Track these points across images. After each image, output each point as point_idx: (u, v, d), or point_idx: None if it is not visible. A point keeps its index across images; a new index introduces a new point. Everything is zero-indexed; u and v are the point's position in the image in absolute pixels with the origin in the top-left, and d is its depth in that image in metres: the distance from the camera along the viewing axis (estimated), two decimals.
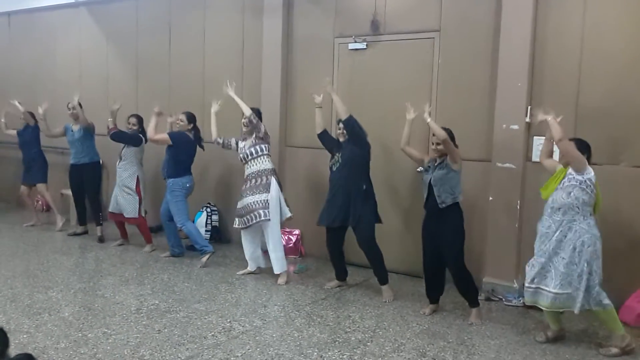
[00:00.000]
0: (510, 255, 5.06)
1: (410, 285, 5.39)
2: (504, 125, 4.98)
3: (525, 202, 5.00)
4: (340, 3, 6.01)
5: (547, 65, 4.91)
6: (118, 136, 6.23)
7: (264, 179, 5.32)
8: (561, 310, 3.99)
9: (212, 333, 4.13)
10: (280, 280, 5.39)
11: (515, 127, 4.95)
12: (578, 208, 3.84)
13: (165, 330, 4.16)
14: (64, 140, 7.46)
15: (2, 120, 7.55)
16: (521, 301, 4.87)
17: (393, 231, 5.52)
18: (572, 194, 3.83)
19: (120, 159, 6.36)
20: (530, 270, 4.01)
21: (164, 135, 5.91)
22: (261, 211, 5.26)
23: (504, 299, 4.98)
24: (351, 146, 4.96)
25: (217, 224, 6.88)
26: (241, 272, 5.61)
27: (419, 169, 5.53)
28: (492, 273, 5.15)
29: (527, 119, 4.91)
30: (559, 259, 3.88)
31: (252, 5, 6.53)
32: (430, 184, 4.46)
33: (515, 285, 5.01)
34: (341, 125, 4.99)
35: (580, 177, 3.82)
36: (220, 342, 3.97)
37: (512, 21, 4.93)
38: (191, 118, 6.00)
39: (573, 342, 4.15)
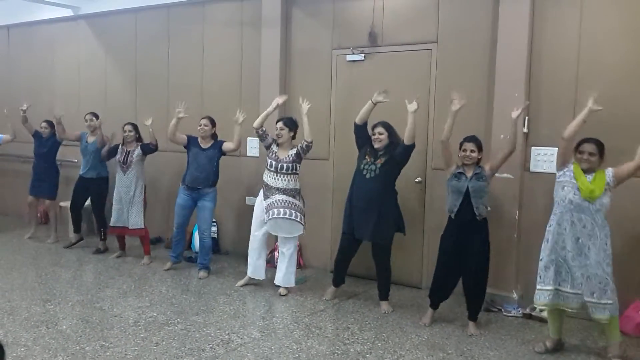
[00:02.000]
0: (510, 266, 5.06)
1: (408, 296, 5.38)
2: (502, 136, 4.98)
3: (523, 213, 5.00)
4: (338, 15, 6.05)
5: (544, 76, 4.93)
6: (150, 150, 6.25)
7: (297, 200, 5.29)
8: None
9: (211, 345, 4.11)
10: (282, 290, 5.38)
11: None
12: None
13: (163, 342, 4.14)
14: (63, 153, 7.47)
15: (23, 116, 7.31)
16: (520, 311, 4.88)
17: (393, 242, 5.50)
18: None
19: (128, 168, 6.26)
20: None
21: (183, 137, 5.89)
22: (300, 215, 5.23)
23: (503, 310, 4.96)
24: (394, 161, 4.86)
25: (215, 235, 6.86)
26: (240, 283, 5.58)
27: (417, 180, 5.55)
28: (491, 283, 5.10)
29: (525, 129, 4.93)
30: None
31: (251, 17, 6.57)
32: (466, 194, 4.38)
33: (515, 295, 5.00)
34: (378, 130, 4.88)
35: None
36: (219, 355, 3.95)
37: (509, 32, 4.96)
38: (214, 122, 5.91)
39: (573, 353, 4.14)
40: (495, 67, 5.05)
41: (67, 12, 8.11)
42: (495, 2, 5.08)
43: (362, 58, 5.87)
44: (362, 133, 5.04)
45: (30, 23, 8.65)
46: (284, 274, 5.33)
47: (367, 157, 4.94)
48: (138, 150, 6.27)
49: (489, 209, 4.48)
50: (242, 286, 5.54)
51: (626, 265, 4.49)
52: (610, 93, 4.62)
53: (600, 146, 3.95)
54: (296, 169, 5.29)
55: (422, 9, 5.53)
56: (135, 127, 6.36)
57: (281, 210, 5.20)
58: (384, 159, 4.88)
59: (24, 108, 6.95)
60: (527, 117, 4.94)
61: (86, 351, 3.95)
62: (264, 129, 5.40)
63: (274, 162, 5.26)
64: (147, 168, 6.56)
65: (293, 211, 5.22)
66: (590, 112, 4.03)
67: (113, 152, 6.44)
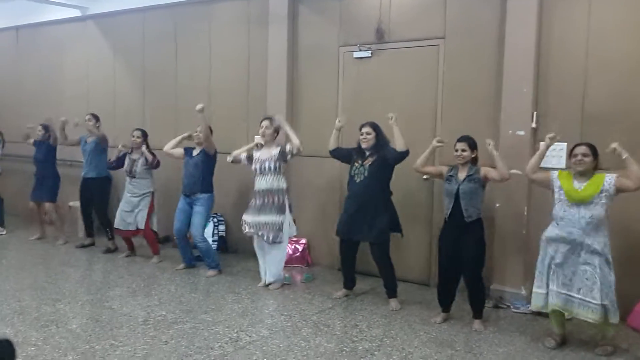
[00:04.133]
0: (518, 263, 5.02)
1: (416, 293, 5.37)
2: (510, 132, 4.96)
3: (532, 209, 4.97)
4: (344, 12, 6.03)
5: (552, 71, 4.89)
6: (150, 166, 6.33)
7: (279, 199, 5.33)
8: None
9: (219, 344, 4.12)
10: (273, 286, 5.42)
11: (522, 133, 4.93)
12: None
13: (173, 341, 4.15)
14: (72, 153, 7.53)
15: (29, 127, 7.42)
16: (529, 308, 4.84)
17: (399, 239, 5.49)
18: None
19: (133, 176, 6.31)
20: None
21: (180, 151, 6.04)
22: (272, 234, 5.31)
23: (511, 306, 4.94)
24: (383, 160, 4.87)
25: (223, 234, 6.89)
26: (261, 284, 5.57)
27: (425, 177, 5.53)
28: (500, 280, 5.12)
29: (533, 125, 4.90)
30: None
31: (257, 16, 6.57)
32: (456, 196, 4.39)
33: (523, 292, 4.97)
34: (365, 130, 4.92)
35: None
36: (227, 353, 3.96)
37: (517, 27, 4.93)
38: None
39: (581, 349, 4.11)
40: (503, 62, 5.02)
41: (75, 13, 8.15)
42: None
43: (369, 55, 5.85)
44: (340, 154, 5.22)
45: (38, 24, 8.71)
46: (270, 272, 5.44)
47: (355, 162, 4.99)
48: (143, 160, 6.29)
49: (480, 210, 4.45)
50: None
51: (635, 259, 4.45)
52: (619, 88, 4.59)
53: (592, 148, 3.97)
54: (280, 169, 5.35)
55: (429, 4, 5.50)
56: (143, 134, 6.38)
57: (253, 229, 5.41)
58: (371, 159, 4.91)
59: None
60: (535, 113, 4.91)
61: (96, 350, 3.97)
62: (231, 158, 5.65)
63: (256, 166, 5.42)
64: (157, 172, 6.54)
65: (263, 232, 5.34)
66: (547, 147, 4.17)
67: (121, 161, 6.47)
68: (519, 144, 4.92)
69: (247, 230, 5.48)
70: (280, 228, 5.32)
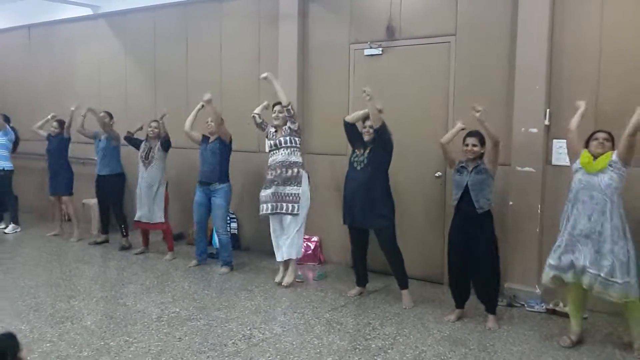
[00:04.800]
0: (532, 261, 5.00)
1: (430, 292, 5.36)
2: (523, 129, 4.93)
3: (546, 206, 4.95)
4: (355, 9, 6.02)
5: (565, 67, 4.86)
6: (167, 143, 6.43)
7: (295, 171, 5.36)
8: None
9: (233, 341, 4.14)
10: (287, 279, 5.43)
11: (534, 130, 4.90)
12: None
13: (186, 338, 4.18)
14: (85, 151, 7.58)
15: (38, 125, 7.55)
16: (543, 307, 4.83)
17: (411, 236, 5.49)
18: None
19: (149, 163, 6.37)
20: None
21: (199, 135, 6.10)
22: (290, 205, 5.32)
23: (526, 305, 4.92)
24: (379, 148, 4.93)
25: (235, 231, 6.91)
26: (278, 279, 5.57)
27: (437, 174, 5.52)
28: (514, 279, 5.09)
29: (546, 122, 4.87)
30: None
31: (268, 13, 6.57)
32: (466, 188, 4.42)
33: (538, 290, 4.95)
34: (368, 123, 4.96)
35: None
36: (241, 350, 3.98)
37: (529, 23, 4.90)
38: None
39: (597, 348, 4.09)
40: (515, 59, 4.99)
41: (87, 11, 8.20)
42: None
43: (380, 52, 5.84)
44: (352, 129, 5.17)
45: (50, 22, 8.77)
46: (290, 246, 5.42)
47: (357, 151, 5.05)
48: (159, 145, 6.36)
49: (491, 202, 4.44)
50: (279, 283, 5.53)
51: None
52: (633, 84, 4.55)
53: (611, 135, 4.06)
54: (293, 143, 5.38)
55: (440, 1, 5.47)
56: (159, 125, 6.43)
57: (270, 205, 5.40)
58: (370, 147, 4.96)
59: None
60: (548, 110, 4.88)
61: (110, 346, 4.01)
62: (260, 118, 5.63)
63: (270, 142, 5.47)
64: (169, 165, 6.61)
65: (281, 204, 5.36)
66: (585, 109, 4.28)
67: (135, 141, 6.61)
68: (532, 142, 4.89)
69: (263, 211, 5.45)
70: (296, 199, 5.32)
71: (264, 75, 5.49)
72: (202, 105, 6.03)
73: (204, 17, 7.16)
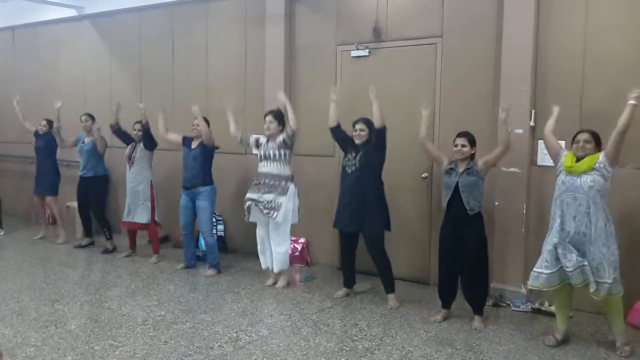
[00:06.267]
0: (518, 261, 5.03)
1: (416, 292, 5.37)
2: (509, 130, 4.95)
3: (531, 207, 4.98)
4: (342, 11, 6.02)
5: (550, 69, 4.90)
6: (149, 139, 6.33)
7: (283, 183, 5.33)
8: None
9: (219, 343, 4.11)
10: (280, 284, 5.42)
11: (520, 131, 4.93)
12: None
13: (172, 341, 4.14)
14: (69, 153, 7.51)
15: (27, 123, 7.48)
16: (529, 306, 4.86)
17: (397, 237, 5.48)
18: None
19: (132, 163, 6.33)
20: None
21: (177, 137, 6.05)
22: (271, 211, 5.29)
23: (511, 305, 4.94)
24: (372, 151, 4.92)
25: (222, 233, 6.88)
26: (269, 283, 5.56)
27: (423, 175, 5.53)
28: (500, 278, 5.12)
29: (532, 123, 4.90)
30: None
31: (254, 14, 6.55)
32: (456, 189, 4.42)
33: (523, 290, 4.98)
34: (359, 126, 4.96)
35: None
36: (227, 353, 3.95)
37: (514, 25, 4.93)
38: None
39: (582, 346, 4.12)
40: (501, 60, 5.02)
41: (71, 12, 8.13)
42: None
43: (367, 53, 5.85)
44: (339, 134, 5.17)
45: (34, 24, 8.68)
46: (276, 256, 5.43)
47: (348, 155, 5.04)
48: (141, 145, 6.32)
49: (481, 203, 4.46)
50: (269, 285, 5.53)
51: (635, 256, 4.46)
52: (617, 86, 4.58)
53: (595, 135, 4.03)
54: (284, 156, 5.34)
55: (426, 3, 5.49)
56: (143, 126, 6.37)
57: (256, 209, 5.39)
58: (362, 151, 4.95)
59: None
60: (533, 111, 4.92)
61: (95, 350, 3.96)
62: (239, 135, 5.60)
63: (261, 152, 5.43)
64: (156, 168, 6.55)
65: (265, 209, 5.32)
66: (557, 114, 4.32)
67: (125, 136, 6.53)
68: (518, 142, 4.91)
69: (245, 206, 5.44)
70: (278, 207, 5.29)
71: (281, 97, 5.48)
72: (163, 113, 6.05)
73: (190, 18, 7.13)
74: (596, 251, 3.87)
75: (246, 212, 5.47)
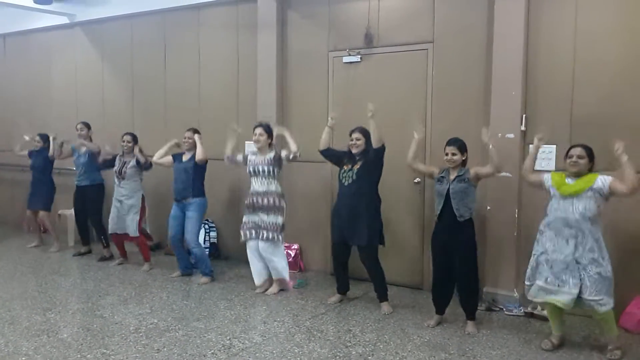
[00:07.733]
0: (510, 265, 5.04)
1: (410, 298, 5.37)
2: (500, 134, 4.98)
3: (523, 211, 5.00)
4: (333, 17, 6.04)
5: (540, 74, 4.93)
6: (141, 167, 6.33)
7: (276, 200, 5.33)
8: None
9: (212, 351, 4.10)
10: (272, 290, 5.44)
11: (511, 135, 4.96)
12: None
13: (165, 349, 4.12)
14: (62, 161, 7.46)
15: (18, 147, 7.46)
16: (521, 310, 4.87)
17: (390, 243, 5.48)
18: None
19: (123, 178, 6.30)
20: None
21: (169, 159, 6.08)
22: (276, 234, 5.33)
23: (504, 309, 4.95)
24: (368, 163, 4.91)
25: (215, 240, 6.87)
26: (258, 290, 5.55)
27: (416, 180, 5.55)
28: (492, 283, 5.13)
29: (523, 127, 4.93)
30: None
31: (246, 21, 6.56)
32: (447, 196, 4.42)
33: (516, 294, 4.99)
34: (355, 135, 4.96)
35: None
36: None
37: (505, 30, 4.96)
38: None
39: (575, 350, 4.13)
40: (491, 66, 5.04)
41: (63, 20, 8.10)
42: (490, 1, 5.07)
43: (359, 59, 5.87)
44: (332, 155, 5.23)
45: (26, 31, 8.65)
46: (282, 268, 5.46)
47: (344, 166, 5.04)
48: (133, 162, 6.28)
49: (473, 210, 4.47)
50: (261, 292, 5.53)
51: (627, 261, 4.48)
52: (607, 91, 4.63)
53: (588, 150, 3.99)
54: (272, 173, 5.35)
55: (417, 9, 5.52)
56: (134, 138, 6.37)
57: (252, 231, 5.43)
58: (360, 163, 4.94)
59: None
60: (524, 116, 4.94)
61: (87, 359, 3.94)
62: (229, 157, 5.62)
63: (250, 168, 5.43)
64: (148, 178, 6.53)
65: (264, 231, 5.35)
66: (537, 148, 4.25)
67: (110, 163, 6.48)
68: (509, 147, 4.93)
69: (245, 237, 5.47)
70: (281, 229, 5.34)
71: (280, 130, 5.52)
72: (177, 143, 6.07)
73: (181, 25, 7.13)
74: (589, 270, 3.86)
75: (242, 234, 5.49)
